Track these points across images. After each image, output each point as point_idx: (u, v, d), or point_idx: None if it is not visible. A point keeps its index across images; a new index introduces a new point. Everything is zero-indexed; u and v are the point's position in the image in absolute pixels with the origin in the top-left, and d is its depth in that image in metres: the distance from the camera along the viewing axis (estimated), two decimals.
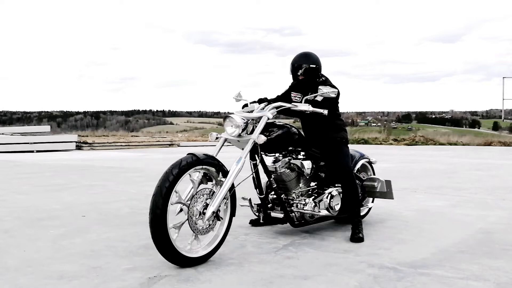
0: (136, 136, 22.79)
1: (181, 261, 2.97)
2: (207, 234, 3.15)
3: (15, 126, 25.63)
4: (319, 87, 3.62)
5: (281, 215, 3.71)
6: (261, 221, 3.79)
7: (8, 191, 6.27)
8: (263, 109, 3.53)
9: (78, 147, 16.59)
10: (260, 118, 3.44)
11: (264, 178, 3.72)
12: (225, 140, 3.50)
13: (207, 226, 3.09)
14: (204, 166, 3.12)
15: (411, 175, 8.30)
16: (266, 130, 3.57)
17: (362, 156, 4.49)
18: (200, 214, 3.03)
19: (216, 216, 3.12)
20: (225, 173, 3.19)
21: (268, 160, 3.78)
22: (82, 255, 3.26)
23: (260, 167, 3.59)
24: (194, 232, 3.05)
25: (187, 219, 3.01)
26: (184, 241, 3.12)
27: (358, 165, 4.39)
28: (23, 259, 3.15)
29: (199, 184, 3.15)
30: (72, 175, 8.28)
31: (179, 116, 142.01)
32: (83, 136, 20.98)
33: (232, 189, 3.24)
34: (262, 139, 3.30)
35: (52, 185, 6.93)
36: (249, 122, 3.44)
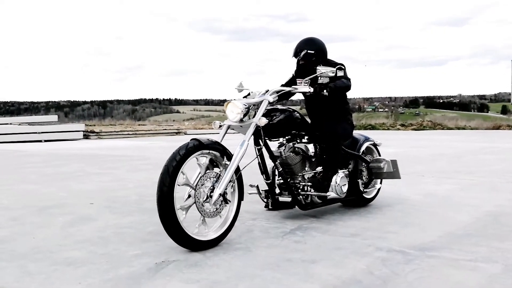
0: (143, 125, 22.85)
1: (190, 243, 2.99)
2: (215, 217, 3.17)
3: (22, 116, 25.77)
4: (317, 67, 3.61)
5: (289, 199, 3.74)
6: (270, 206, 3.79)
7: (16, 180, 6.31)
8: (264, 94, 3.52)
9: (86, 136, 16.66)
10: (261, 102, 3.46)
11: (270, 164, 3.72)
12: (228, 127, 3.49)
13: (215, 209, 3.11)
14: (209, 151, 3.13)
15: (419, 159, 8.27)
16: (269, 115, 3.57)
17: (367, 139, 4.49)
18: (207, 198, 3.05)
19: (224, 199, 3.14)
20: (230, 157, 3.20)
21: (274, 146, 3.77)
22: (90, 241, 3.28)
23: (265, 153, 3.58)
24: (201, 214, 3.08)
25: (195, 202, 3.03)
26: (193, 226, 3.12)
27: (363, 148, 4.39)
28: (31, 246, 3.17)
29: (206, 169, 3.15)
30: (80, 163, 8.31)
31: (185, 105, 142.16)
32: (90, 125, 21.05)
33: (238, 172, 3.25)
34: (263, 121, 3.31)
35: (60, 173, 6.96)
36: (250, 107, 3.44)
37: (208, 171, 3.16)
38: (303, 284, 2.46)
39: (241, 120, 3.40)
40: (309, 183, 3.79)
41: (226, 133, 3.49)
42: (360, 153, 4.32)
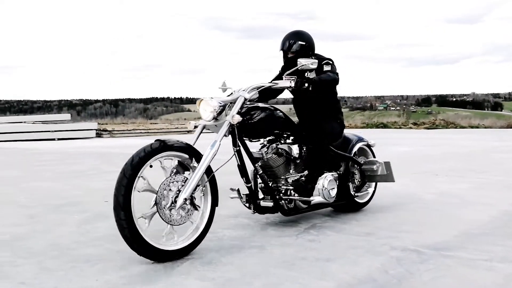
0: (155, 123, 22.95)
1: (156, 255, 2.78)
2: (184, 224, 2.93)
3: (36, 115, 26.04)
4: (298, 60, 3.38)
5: (271, 204, 3.49)
6: (252, 211, 3.50)
7: (31, 178, 6.38)
8: (244, 91, 3.29)
9: (98, 135, 16.78)
10: (237, 100, 3.23)
11: (251, 166, 3.48)
12: (204, 127, 3.25)
13: (181, 216, 2.88)
14: (174, 153, 2.91)
15: (432, 158, 8.21)
16: (248, 113, 3.34)
17: (360, 140, 4.24)
18: (172, 203, 2.84)
19: (192, 204, 2.92)
20: (200, 159, 2.97)
21: (257, 146, 3.60)
22: (106, 239, 3.31)
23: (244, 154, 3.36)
24: (166, 222, 2.86)
25: (157, 210, 2.83)
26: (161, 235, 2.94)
27: (355, 149, 4.14)
28: (49, 243, 3.21)
29: (176, 173, 2.96)
30: (93, 161, 8.38)
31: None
32: (102, 124, 21.20)
33: (210, 175, 3.03)
34: (236, 119, 3.08)
35: (74, 171, 7.03)
36: (227, 105, 3.21)
37: (178, 175, 2.94)
38: (318, 282, 2.47)
39: (216, 119, 3.17)
40: (292, 187, 3.56)
41: (201, 133, 3.26)
42: (352, 155, 4.07)
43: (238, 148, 3.25)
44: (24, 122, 18.20)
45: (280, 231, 3.48)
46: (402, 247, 3.04)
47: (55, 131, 15.64)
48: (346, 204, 4.05)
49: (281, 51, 3.84)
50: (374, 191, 4.34)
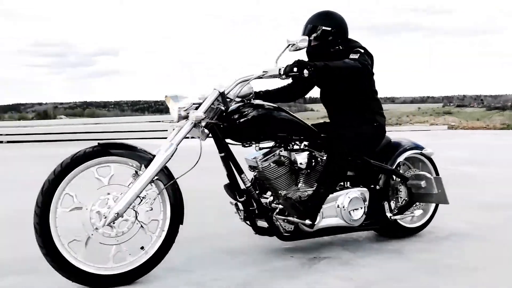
0: None
1: (88, 279, 2.36)
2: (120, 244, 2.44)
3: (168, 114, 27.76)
4: (286, 38, 2.77)
5: (266, 225, 2.85)
6: (254, 231, 2.92)
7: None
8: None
9: None
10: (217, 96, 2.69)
11: (249, 176, 2.96)
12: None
13: (116, 233, 2.39)
14: (115, 158, 2.46)
15: None
16: (238, 112, 2.79)
17: (412, 147, 3.35)
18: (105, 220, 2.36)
19: (137, 221, 2.45)
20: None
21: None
22: (242, 233, 3.38)
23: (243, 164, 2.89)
24: (104, 243, 2.41)
25: (86, 231, 2.35)
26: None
27: (401, 158, 3.27)
28: (194, 232, 3.36)
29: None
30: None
31: (319, 103, 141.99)
32: None
33: (168, 183, 2.59)
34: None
35: (214, 168, 7.36)
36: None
37: (116, 185, 2.49)
38: None
39: (186, 119, 2.69)
40: (286, 206, 2.83)
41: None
42: (395, 166, 3.24)
43: (223, 154, 2.82)
44: (162, 121, 19.51)
45: (417, 236, 3.36)
46: None
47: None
48: (385, 229, 3.25)
49: (304, 35, 3.05)
50: (434, 213, 3.43)
